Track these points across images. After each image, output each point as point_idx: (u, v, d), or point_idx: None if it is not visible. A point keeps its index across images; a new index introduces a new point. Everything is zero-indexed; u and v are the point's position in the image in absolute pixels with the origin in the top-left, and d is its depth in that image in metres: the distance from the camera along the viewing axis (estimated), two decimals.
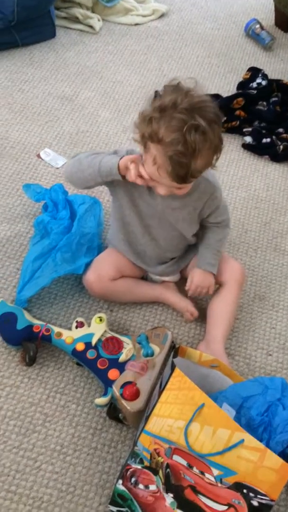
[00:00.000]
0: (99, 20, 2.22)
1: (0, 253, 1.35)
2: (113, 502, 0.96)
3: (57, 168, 1.60)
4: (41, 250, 1.27)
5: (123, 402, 1.01)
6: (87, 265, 1.25)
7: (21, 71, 1.93)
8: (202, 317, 1.28)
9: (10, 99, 1.81)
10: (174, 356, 0.92)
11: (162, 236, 1.21)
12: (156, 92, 1.00)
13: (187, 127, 0.91)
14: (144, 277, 1.33)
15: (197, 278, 1.22)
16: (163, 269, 1.28)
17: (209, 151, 0.97)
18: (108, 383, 1.05)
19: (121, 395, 1.01)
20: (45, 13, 2.00)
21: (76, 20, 2.19)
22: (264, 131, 1.81)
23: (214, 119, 0.95)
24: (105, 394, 1.05)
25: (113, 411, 1.07)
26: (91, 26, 2.18)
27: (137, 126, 1.01)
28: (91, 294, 1.27)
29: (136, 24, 2.29)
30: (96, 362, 1.08)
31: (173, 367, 0.86)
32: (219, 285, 1.27)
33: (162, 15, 2.37)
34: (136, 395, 1.01)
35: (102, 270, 1.23)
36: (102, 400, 1.04)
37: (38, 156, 1.63)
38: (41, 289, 1.22)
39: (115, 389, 1.02)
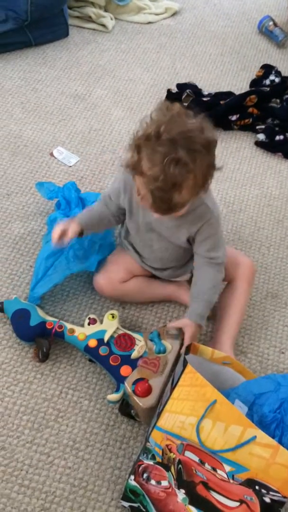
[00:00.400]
0: (111, 19, 2.23)
1: (13, 251, 1.36)
2: (125, 498, 0.96)
3: (70, 166, 1.61)
4: (54, 248, 1.27)
5: (135, 398, 1.01)
6: (100, 262, 1.26)
7: (34, 70, 1.94)
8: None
9: (24, 98, 1.82)
10: (186, 353, 0.92)
11: (163, 247, 1.19)
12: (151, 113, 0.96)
13: (166, 161, 0.88)
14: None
15: (191, 333, 1.11)
16: (169, 273, 1.26)
17: (193, 182, 0.93)
18: (120, 379, 1.06)
19: (133, 391, 1.02)
20: (58, 12, 2.01)
21: (89, 19, 2.20)
22: (277, 129, 1.80)
23: (199, 149, 0.91)
24: (117, 390, 1.06)
25: (125, 407, 1.07)
26: (104, 25, 2.19)
27: (126, 150, 0.98)
28: (102, 295, 1.27)
29: (149, 23, 2.29)
30: (109, 359, 1.09)
31: (185, 364, 0.86)
32: (228, 282, 1.25)
33: (174, 13, 2.37)
34: (148, 391, 1.01)
35: (112, 272, 1.23)
36: (114, 397, 1.04)
37: (51, 154, 1.64)
38: (54, 286, 1.23)
39: (127, 386, 1.03)
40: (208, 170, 0.95)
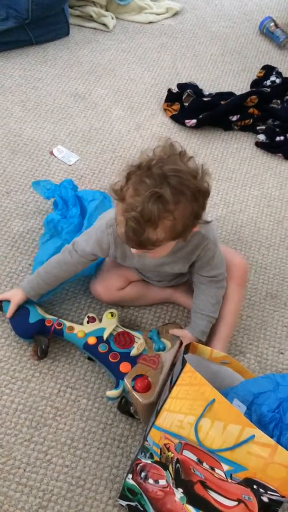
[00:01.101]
0: (112, 18, 2.23)
1: (12, 249, 1.36)
2: (122, 496, 0.96)
3: (70, 165, 1.61)
4: (54, 250, 1.26)
5: (135, 394, 1.01)
6: (98, 265, 1.25)
7: (35, 68, 1.94)
8: None
9: (24, 96, 1.82)
10: (185, 352, 0.92)
11: (161, 277, 1.21)
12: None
13: (148, 194, 0.85)
14: None
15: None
16: (165, 284, 1.26)
17: (172, 223, 0.89)
18: (120, 376, 1.05)
19: (133, 387, 1.02)
20: (59, 11, 2.01)
21: (90, 18, 2.20)
22: (277, 129, 1.80)
23: (184, 192, 0.88)
24: (116, 386, 1.05)
25: (124, 405, 1.07)
26: (104, 24, 2.19)
27: (119, 174, 0.95)
28: (100, 301, 1.27)
29: (150, 22, 2.29)
30: (108, 356, 1.09)
31: (184, 363, 0.86)
32: None
33: (176, 13, 2.37)
34: (147, 387, 1.01)
35: (109, 280, 1.22)
36: (113, 393, 1.04)
37: (51, 153, 1.64)
38: (53, 293, 1.22)
39: (127, 381, 1.03)
40: (190, 218, 0.91)
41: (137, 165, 0.90)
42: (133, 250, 0.98)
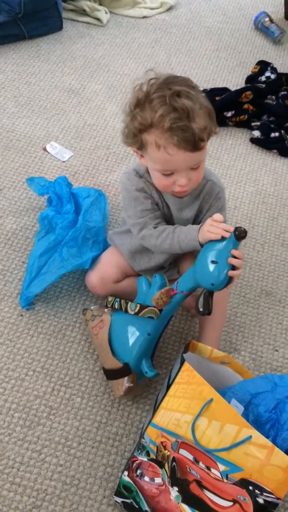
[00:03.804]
0: (106, 12, 2.21)
1: (5, 246, 1.35)
2: (118, 493, 0.95)
3: (63, 161, 1.59)
4: (47, 245, 1.26)
5: None
6: (94, 259, 1.24)
7: (28, 63, 1.92)
8: None
9: (17, 92, 1.80)
10: (185, 351, 0.91)
11: (155, 261, 1.17)
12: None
13: (169, 97, 0.91)
14: None
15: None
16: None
17: (202, 111, 0.94)
18: None
19: None
20: (52, 5, 1.99)
21: (83, 12, 2.18)
22: (272, 125, 1.80)
23: (191, 84, 0.95)
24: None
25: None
26: (98, 19, 2.17)
27: (124, 132, 1.00)
28: (94, 294, 1.26)
29: (144, 17, 2.27)
30: None
31: (182, 362, 0.85)
32: None
33: (170, 8, 2.35)
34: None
35: (106, 273, 1.20)
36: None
37: (44, 149, 1.62)
38: (48, 285, 1.21)
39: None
40: (208, 104, 0.96)
41: (133, 105, 0.95)
42: (181, 180, 0.98)
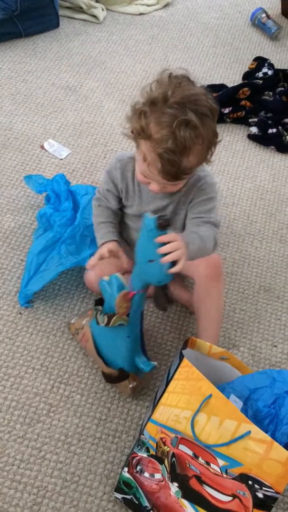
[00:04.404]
0: (103, 9, 2.20)
1: (4, 245, 1.35)
2: (118, 489, 0.96)
3: (61, 159, 1.59)
4: (45, 243, 1.26)
5: None
6: (91, 256, 1.24)
7: (24, 61, 1.91)
8: None
9: (14, 89, 1.79)
10: (183, 348, 0.92)
11: None
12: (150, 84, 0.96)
13: (177, 123, 0.87)
14: None
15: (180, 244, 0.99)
16: None
17: (201, 147, 0.92)
18: None
19: None
20: (49, 2, 1.98)
21: (80, 10, 2.17)
22: (270, 122, 1.79)
23: (206, 112, 0.91)
24: None
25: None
26: (95, 16, 2.16)
27: (128, 120, 0.98)
28: (93, 291, 1.26)
29: (141, 14, 2.27)
30: None
31: (181, 357, 0.85)
32: (193, 279, 1.18)
33: (166, 5, 2.34)
34: None
35: (104, 269, 1.20)
36: None
37: (42, 147, 1.62)
38: (47, 283, 1.21)
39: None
40: (213, 137, 0.95)
41: (149, 100, 0.91)
42: (154, 187, 0.99)
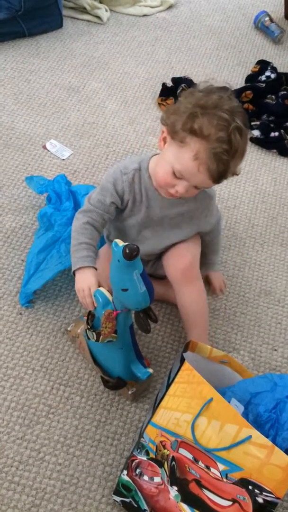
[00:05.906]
0: (106, 10, 2.20)
1: (5, 244, 1.34)
2: (117, 492, 0.95)
3: (63, 159, 1.59)
4: (45, 242, 1.26)
5: None
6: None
7: (28, 61, 1.91)
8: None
9: (16, 89, 1.79)
10: (184, 351, 0.91)
11: (154, 243, 1.17)
12: (193, 87, 1.02)
13: (232, 128, 0.94)
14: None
15: (219, 280, 1.34)
16: (149, 268, 1.24)
17: (241, 155, 0.99)
18: None
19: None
20: (52, 3, 1.98)
21: (83, 10, 2.17)
22: (272, 125, 1.80)
23: (246, 124, 0.99)
24: None
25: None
26: (98, 17, 2.16)
27: (169, 119, 0.99)
28: None
29: (144, 15, 2.27)
30: None
31: (182, 361, 0.85)
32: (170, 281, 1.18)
33: (170, 7, 2.35)
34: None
35: (100, 270, 1.20)
36: None
37: (44, 147, 1.62)
38: (47, 282, 1.21)
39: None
40: (245, 151, 1.01)
41: (200, 105, 0.96)
42: (180, 189, 1.01)
